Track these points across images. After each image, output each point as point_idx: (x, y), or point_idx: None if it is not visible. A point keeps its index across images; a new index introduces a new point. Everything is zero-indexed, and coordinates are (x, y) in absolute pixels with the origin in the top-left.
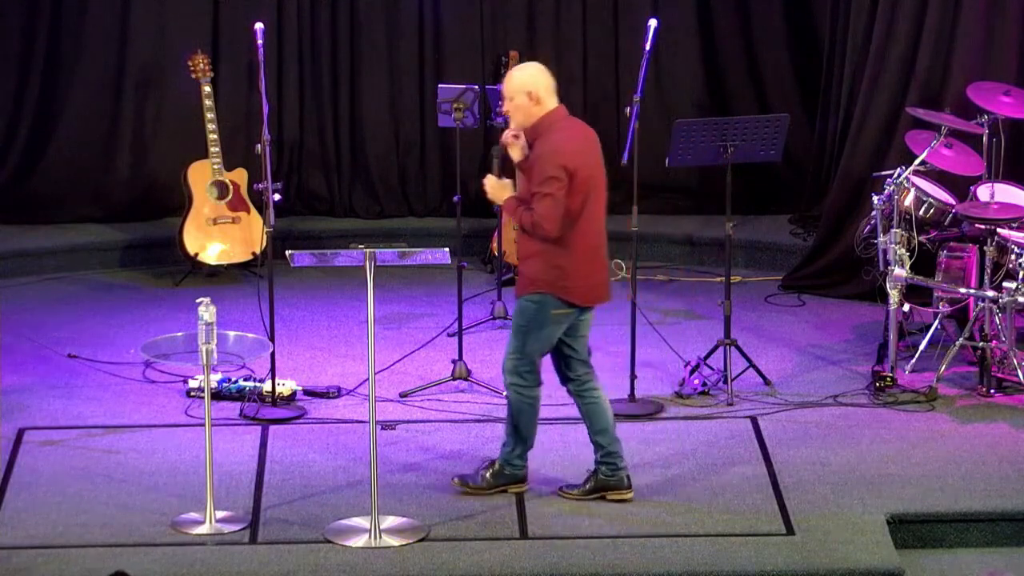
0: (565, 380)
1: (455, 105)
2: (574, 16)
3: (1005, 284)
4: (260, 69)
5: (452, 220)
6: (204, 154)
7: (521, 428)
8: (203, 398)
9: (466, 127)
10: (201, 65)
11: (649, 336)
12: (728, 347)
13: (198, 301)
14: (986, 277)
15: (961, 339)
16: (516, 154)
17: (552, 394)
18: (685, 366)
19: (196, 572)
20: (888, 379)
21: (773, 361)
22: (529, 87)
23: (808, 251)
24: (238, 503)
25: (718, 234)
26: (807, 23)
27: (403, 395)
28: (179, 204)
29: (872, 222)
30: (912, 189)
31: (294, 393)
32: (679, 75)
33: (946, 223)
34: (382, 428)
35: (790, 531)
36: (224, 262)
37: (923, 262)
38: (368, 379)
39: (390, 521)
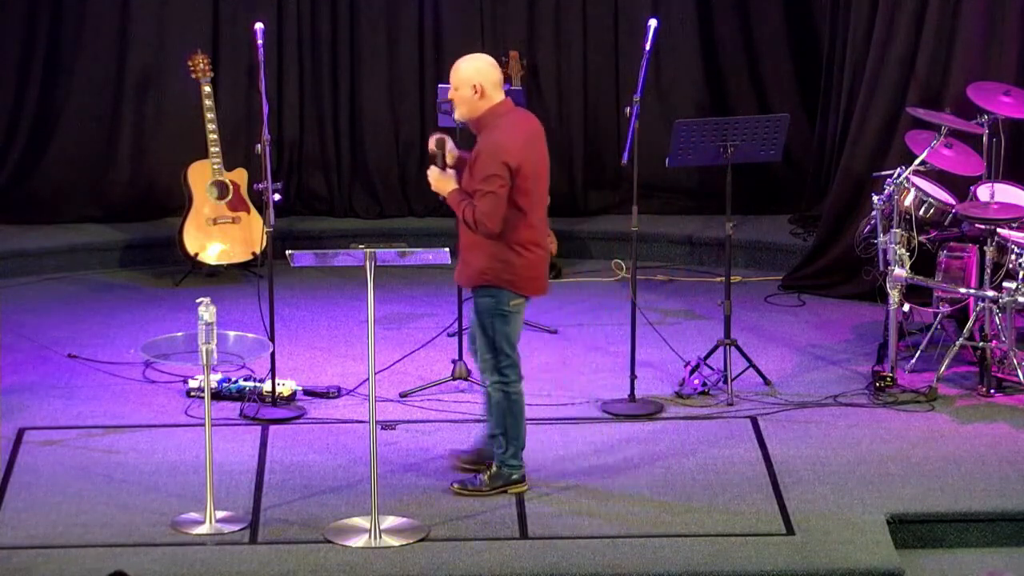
0: (476, 356)
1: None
2: (574, 16)
3: (1005, 284)
4: (260, 69)
5: (452, 220)
6: (204, 154)
7: (510, 427)
8: (203, 398)
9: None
10: (201, 65)
11: (649, 336)
12: (728, 347)
13: (198, 301)
14: (986, 277)
15: (961, 339)
16: (448, 160)
17: (552, 393)
18: (685, 366)
19: (196, 572)
20: (888, 379)
21: (773, 361)
22: (475, 80)
23: (808, 251)
24: (238, 503)
25: (718, 234)
26: (807, 23)
27: (403, 395)
28: (179, 204)
29: (872, 222)
30: (912, 189)
31: (294, 393)
32: (679, 75)
33: (946, 223)
34: (382, 428)
35: (790, 531)
36: (224, 262)
37: (923, 262)
38: (368, 379)
39: (390, 521)
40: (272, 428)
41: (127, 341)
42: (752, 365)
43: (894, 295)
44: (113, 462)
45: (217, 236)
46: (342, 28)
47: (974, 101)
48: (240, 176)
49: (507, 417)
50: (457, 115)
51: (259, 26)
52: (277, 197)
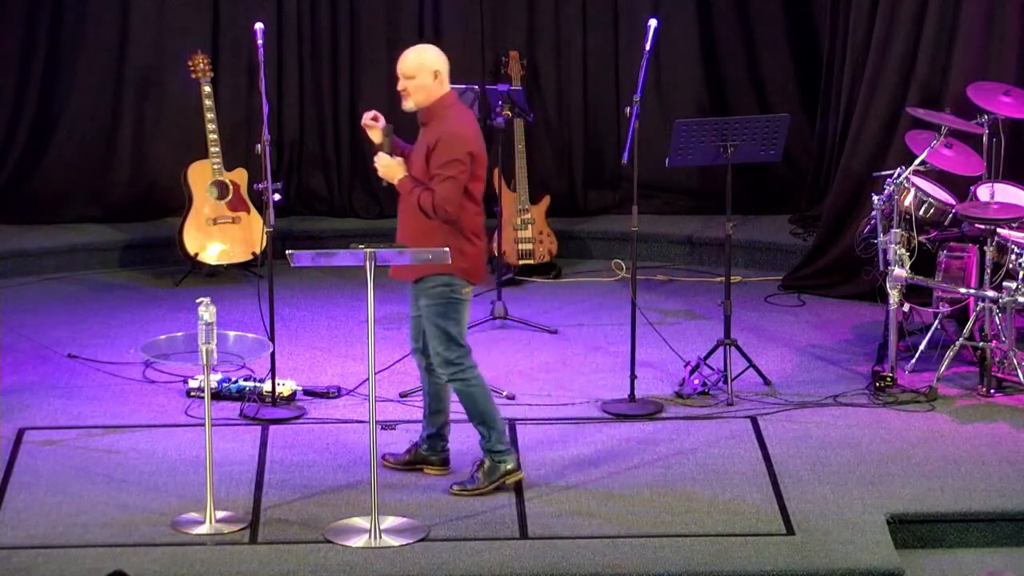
0: (422, 352)
1: None
2: (574, 16)
3: (1005, 284)
4: (260, 69)
5: None
6: (204, 154)
7: (485, 413)
8: (203, 398)
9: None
10: (201, 65)
11: (649, 336)
12: (728, 347)
13: (198, 301)
14: (986, 277)
15: (961, 339)
16: (376, 136)
17: (552, 393)
18: (685, 366)
19: (196, 572)
20: (888, 379)
21: (773, 361)
22: (436, 66)
23: (808, 251)
24: (238, 503)
25: (718, 234)
26: (807, 23)
27: (403, 395)
28: (179, 204)
29: (872, 222)
30: (912, 189)
31: (294, 393)
32: (679, 75)
33: (946, 223)
34: (382, 428)
35: (790, 531)
36: (224, 262)
37: (923, 262)
38: (368, 379)
39: (390, 521)
40: (272, 428)
41: (127, 341)
42: (752, 365)
43: (894, 295)
44: (113, 462)
45: (217, 236)
46: (342, 28)
47: (974, 101)
48: (240, 176)
49: (477, 405)
50: (412, 104)
51: (259, 26)
52: (277, 197)
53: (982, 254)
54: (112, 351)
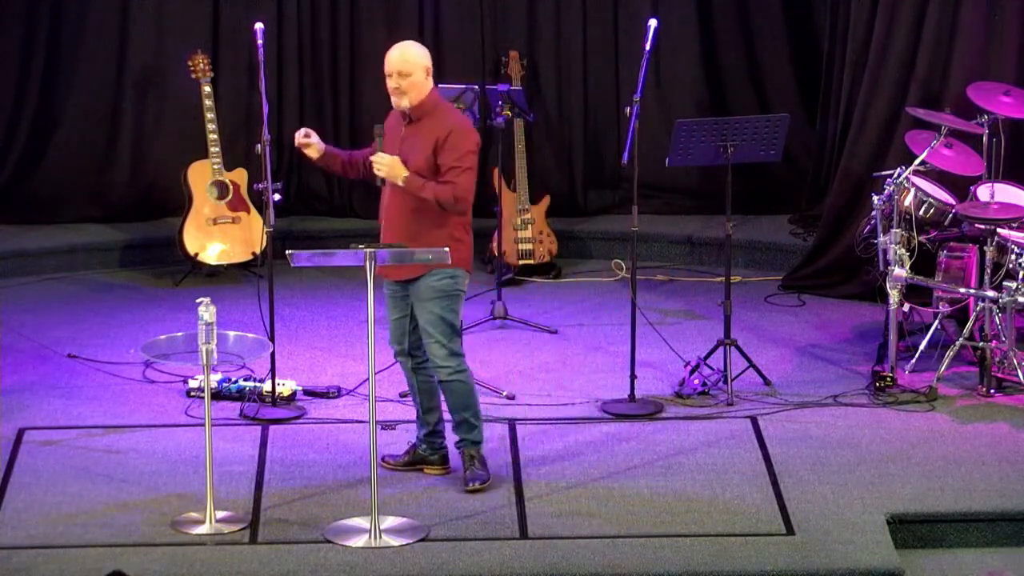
0: (408, 353)
1: (455, 105)
2: (574, 16)
3: (1005, 284)
4: (260, 69)
5: None
6: (204, 154)
7: (476, 405)
8: (203, 398)
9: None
10: (201, 65)
11: (649, 336)
12: (728, 347)
13: (198, 301)
14: (986, 277)
15: (961, 339)
16: (313, 153)
17: (552, 393)
18: (685, 366)
19: (196, 572)
20: (888, 379)
21: (773, 361)
22: (426, 63)
23: (808, 251)
24: (238, 503)
25: (718, 234)
26: (807, 23)
27: (403, 395)
28: (179, 204)
29: (872, 222)
30: (912, 189)
31: (294, 393)
32: (679, 75)
33: (946, 223)
34: (382, 428)
35: (790, 531)
36: (224, 262)
37: (923, 262)
38: (368, 379)
39: (390, 521)
40: (272, 428)
41: (127, 341)
42: (752, 365)
43: (894, 295)
44: (113, 462)
45: (217, 236)
46: (342, 28)
47: (974, 101)
48: (240, 176)
49: (472, 397)
50: (407, 102)
51: (259, 26)
52: (277, 197)
53: (982, 254)
54: (112, 351)
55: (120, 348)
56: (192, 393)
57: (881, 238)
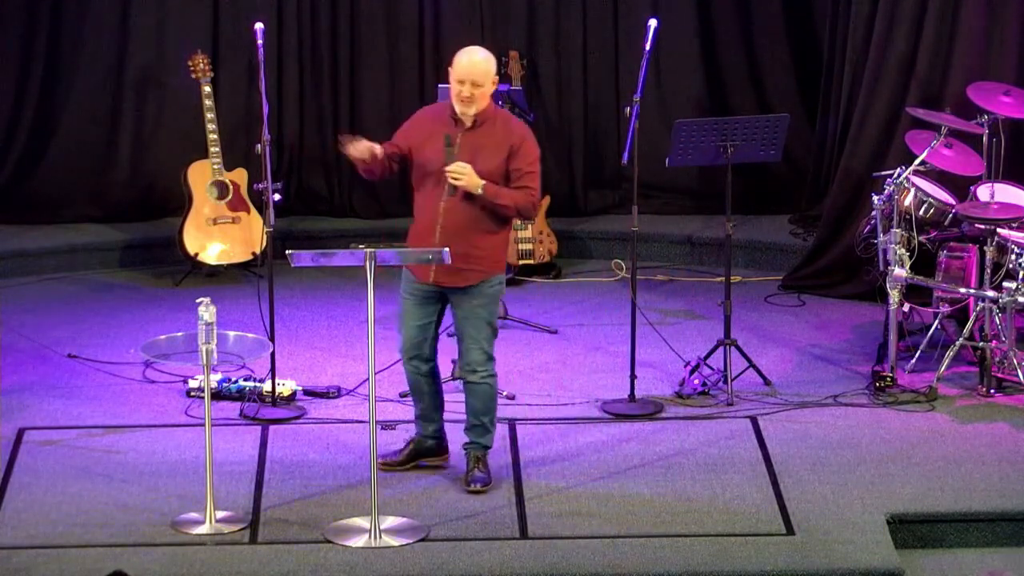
0: (428, 359)
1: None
2: (574, 16)
3: (1005, 284)
4: (260, 69)
5: None
6: (204, 154)
7: (495, 411)
8: (203, 398)
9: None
10: (201, 65)
11: (649, 336)
12: (728, 347)
13: (198, 301)
14: (986, 277)
15: (961, 339)
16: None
17: (552, 393)
18: (685, 366)
19: (196, 572)
20: (888, 379)
21: (773, 361)
22: (494, 73)
23: (808, 251)
24: (238, 503)
25: (718, 234)
26: (807, 23)
27: (403, 395)
28: (179, 204)
29: (872, 222)
30: (912, 189)
31: (294, 393)
32: (679, 75)
33: (946, 223)
34: (382, 428)
35: (790, 531)
36: (224, 262)
37: (923, 262)
38: (368, 379)
39: (390, 521)
40: (272, 428)
41: (127, 341)
42: (752, 365)
43: (894, 295)
44: (113, 462)
45: (217, 236)
46: (342, 28)
47: (974, 101)
48: (240, 176)
49: (492, 402)
50: (473, 110)
51: (259, 26)
52: (277, 197)
53: (982, 254)
54: (112, 351)
55: (120, 348)
56: (192, 393)
57: (881, 238)
